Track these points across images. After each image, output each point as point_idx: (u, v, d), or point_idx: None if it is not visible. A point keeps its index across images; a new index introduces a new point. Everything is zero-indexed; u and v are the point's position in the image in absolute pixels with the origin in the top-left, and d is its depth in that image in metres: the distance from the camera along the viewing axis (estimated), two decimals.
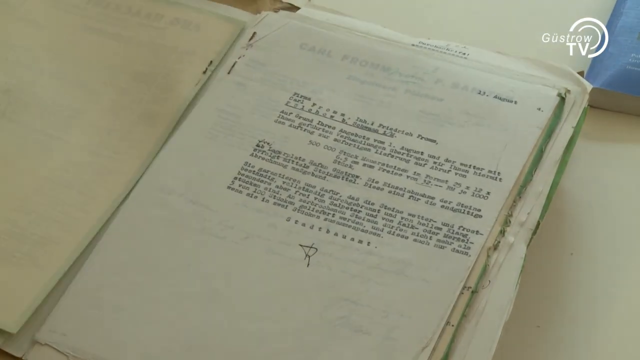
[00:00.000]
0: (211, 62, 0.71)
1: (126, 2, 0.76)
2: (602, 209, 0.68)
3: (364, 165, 0.65)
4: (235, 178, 0.64)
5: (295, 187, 0.64)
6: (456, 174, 0.63)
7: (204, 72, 0.71)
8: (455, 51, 0.71)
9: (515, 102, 0.67)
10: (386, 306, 0.58)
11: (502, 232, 0.60)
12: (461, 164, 0.64)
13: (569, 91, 0.67)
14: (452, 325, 0.57)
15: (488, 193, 0.62)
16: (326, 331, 0.57)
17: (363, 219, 0.62)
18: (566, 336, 0.61)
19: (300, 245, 0.61)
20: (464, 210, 0.62)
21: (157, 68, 0.72)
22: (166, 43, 0.73)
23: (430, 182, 0.63)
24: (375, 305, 0.58)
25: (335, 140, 0.66)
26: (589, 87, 0.68)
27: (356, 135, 0.66)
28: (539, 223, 0.61)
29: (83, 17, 0.76)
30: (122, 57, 0.73)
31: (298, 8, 0.75)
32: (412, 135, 0.66)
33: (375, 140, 0.66)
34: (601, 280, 0.64)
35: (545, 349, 0.60)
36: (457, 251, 0.60)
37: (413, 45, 0.72)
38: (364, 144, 0.66)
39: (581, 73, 0.70)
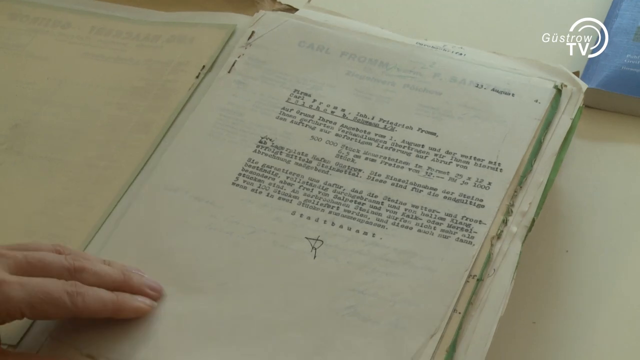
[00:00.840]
0: (204, 66, 0.72)
1: (126, 28, 0.78)
2: (597, 207, 0.68)
3: (366, 159, 0.65)
4: (240, 174, 0.65)
5: (299, 182, 0.64)
6: (457, 165, 0.64)
7: (197, 77, 0.72)
8: (452, 51, 0.71)
9: (513, 95, 0.67)
10: (393, 295, 0.58)
11: (505, 222, 0.61)
12: (462, 156, 0.65)
13: (565, 85, 0.68)
14: (459, 313, 0.57)
15: (489, 183, 0.63)
16: (335, 321, 0.57)
17: (367, 212, 0.62)
18: (562, 332, 0.61)
19: (306, 238, 0.61)
20: (467, 200, 0.62)
21: (153, 81, 0.73)
22: (162, 59, 0.74)
23: (432, 173, 0.64)
24: (382, 294, 0.58)
25: (337, 135, 0.67)
26: (584, 86, 0.68)
27: (357, 129, 0.67)
28: (533, 220, 0.62)
29: (85, 46, 0.77)
30: (120, 76, 0.74)
31: (296, 10, 0.75)
32: (412, 128, 0.67)
33: (376, 135, 0.66)
34: (596, 277, 0.64)
35: (540, 345, 0.61)
36: (461, 240, 0.60)
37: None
38: (365, 138, 0.66)
39: (576, 73, 0.70)
